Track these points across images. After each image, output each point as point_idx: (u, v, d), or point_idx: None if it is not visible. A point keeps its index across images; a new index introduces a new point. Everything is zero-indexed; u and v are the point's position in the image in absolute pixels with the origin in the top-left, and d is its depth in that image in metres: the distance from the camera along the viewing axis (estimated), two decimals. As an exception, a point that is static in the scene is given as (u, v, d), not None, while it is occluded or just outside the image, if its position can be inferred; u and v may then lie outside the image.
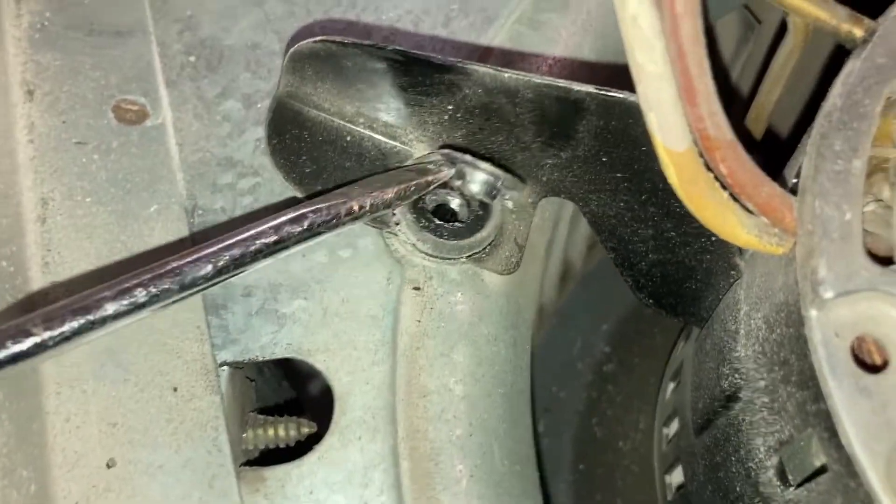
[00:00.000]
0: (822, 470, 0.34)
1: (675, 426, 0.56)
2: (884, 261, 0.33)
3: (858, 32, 0.37)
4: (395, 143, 0.41)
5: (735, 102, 0.60)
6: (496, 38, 0.46)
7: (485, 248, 0.41)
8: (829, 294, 0.32)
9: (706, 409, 0.46)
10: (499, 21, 0.46)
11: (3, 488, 0.34)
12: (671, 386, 0.60)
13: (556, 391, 0.73)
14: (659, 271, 0.47)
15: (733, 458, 0.42)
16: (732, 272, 0.44)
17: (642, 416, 0.73)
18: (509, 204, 0.41)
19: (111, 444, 0.36)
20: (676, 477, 0.56)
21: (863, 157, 0.34)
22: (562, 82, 0.36)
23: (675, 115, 0.31)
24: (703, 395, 0.47)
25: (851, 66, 0.36)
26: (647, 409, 0.72)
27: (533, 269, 0.46)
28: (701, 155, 0.34)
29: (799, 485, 0.36)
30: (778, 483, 0.38)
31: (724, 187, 0.35)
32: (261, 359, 0.38)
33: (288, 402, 0.48)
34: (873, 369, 0.32)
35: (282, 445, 0.39)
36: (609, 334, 0.75)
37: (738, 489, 0.42)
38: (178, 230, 0.40)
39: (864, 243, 0.33)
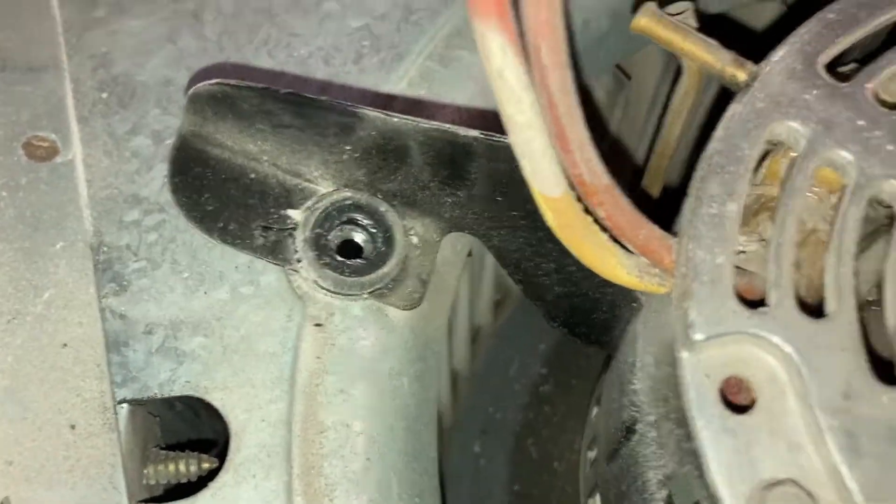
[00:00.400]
0: (698, 505, 0.35)
1: (595, 451, 0.57)
2: (756, 303, 0.34)
3: (741, 76, 0.38)
4: (299, 181, 0.41)
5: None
6: (407, 74, 0.47)
7: (387, 285, 0.41)
8: (699, 336, 0.33)
9: (612, 438, 0.47)
10: (410, 57, 0.47)
11: None
12: (595, 410, 0.61)
13: (493, 412, 0.74)
14: (567, 302, 0.48)
15: (633, 489, 0.43)
16: (634, 304, 0.45)
17: (577, 436, 0.74)
18: (414, 239, 0.42)
19: (6, 483, 0.36)
20: (597, 501, 0.57)
21: (738, 201, 0.35)
22: (449, 127, 0.37)
23: (547, 163, 0.32)
24: (610, 425, 0.48)
25: (733, 110, 0.37)
26: (583, 429, 0.74)
27: (442, 302, 0.46)
28: (579, 199, 0.35)
29: (684, 518, 0.37)
30: (667, 516, 0.39)
31: (604, 229, 0.36)
32: (159, 396, 0.39)
33: (207, 438, 0.48)
34: (740, 410, 0.33)
35: (183, 481, 0.40)
36: (546, 355, 0.76)
37: (639, 519, 0.43)
38: (82, 267, 0.41)
39: (734, 286, 0.34)
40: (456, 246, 0.47)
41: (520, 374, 0.75)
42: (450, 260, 0.47)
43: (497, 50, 0.30)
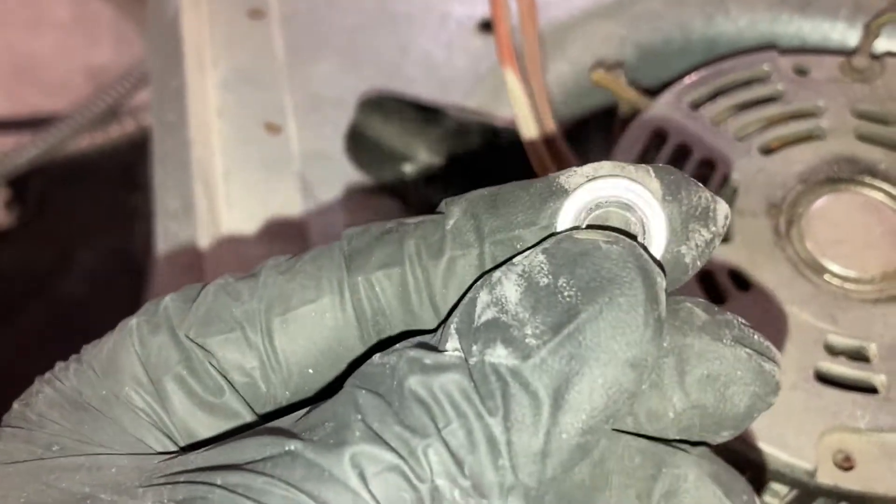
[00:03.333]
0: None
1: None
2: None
3: (644, 105, 0.74)
4: (410, 149, 0.78)
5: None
6: (473, 100, 0.83)
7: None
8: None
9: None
10: (475, 92, 0.84)
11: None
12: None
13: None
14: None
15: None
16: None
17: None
18: (469, 186, 0.78)
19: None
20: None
21: (632, 157, 0.70)
22: (490, 118, 0.73)
23: (531, 129, 0.67)
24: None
25: (638, 118, 0.72)
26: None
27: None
28: (545, 146, 0.70)
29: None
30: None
31: (554, 162, 0.71)
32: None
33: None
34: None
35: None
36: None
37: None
38: (294, 188, 0.78)
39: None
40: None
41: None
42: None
43: (511, 78, 0.65)
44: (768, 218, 0.65)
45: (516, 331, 0.28)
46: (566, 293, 0.28)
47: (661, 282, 0.29)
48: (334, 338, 0.32)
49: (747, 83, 0.73)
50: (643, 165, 0.33)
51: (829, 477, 0.56)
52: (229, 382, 0.32)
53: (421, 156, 0.77)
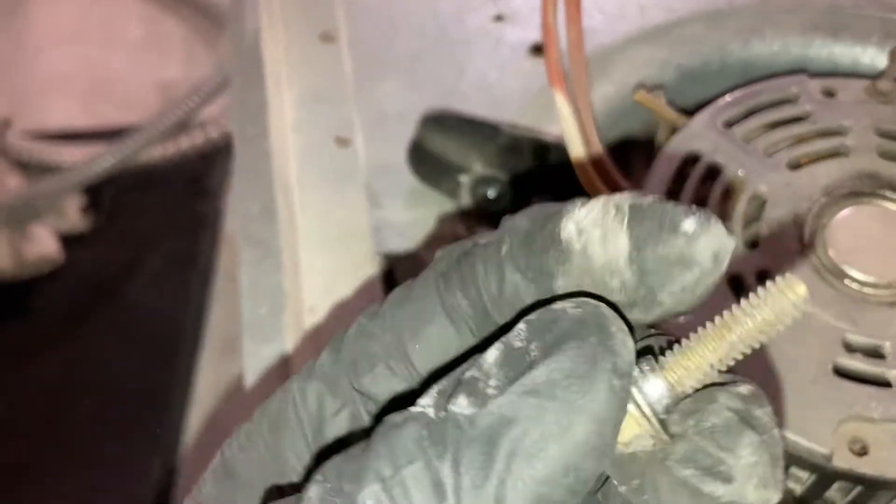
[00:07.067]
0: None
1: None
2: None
3: (681, 123, 0.80)
4: (467, 162, 0.86)
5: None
6: (524, 116, 0.91)
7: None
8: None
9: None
10: (525, 108, 0.91)
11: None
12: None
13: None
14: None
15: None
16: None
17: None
18: (519, 196, 0.86)
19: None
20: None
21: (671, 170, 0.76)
22: (541, 134, 0.81)
23: (577, 146, 0.74)
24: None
25: (675, 137, 0.79)
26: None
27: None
28: (594, 167, 0.77)
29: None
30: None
31: (600, 177, 0.78)
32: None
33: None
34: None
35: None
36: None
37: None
38: (360, 193, 0.86)
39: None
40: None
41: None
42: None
43: (559, 99, 0.72)
44: (794, 228, 0.71)
45: (482, 384, 0.30)
46: (532, 353, 0.30)
47: (620, 335, 0.30)
48: (461, 343, 0.35)
49: (778, 104, 0.79)
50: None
51: (844, 461, 0.61)
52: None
53: (476, 168, 0.85)
